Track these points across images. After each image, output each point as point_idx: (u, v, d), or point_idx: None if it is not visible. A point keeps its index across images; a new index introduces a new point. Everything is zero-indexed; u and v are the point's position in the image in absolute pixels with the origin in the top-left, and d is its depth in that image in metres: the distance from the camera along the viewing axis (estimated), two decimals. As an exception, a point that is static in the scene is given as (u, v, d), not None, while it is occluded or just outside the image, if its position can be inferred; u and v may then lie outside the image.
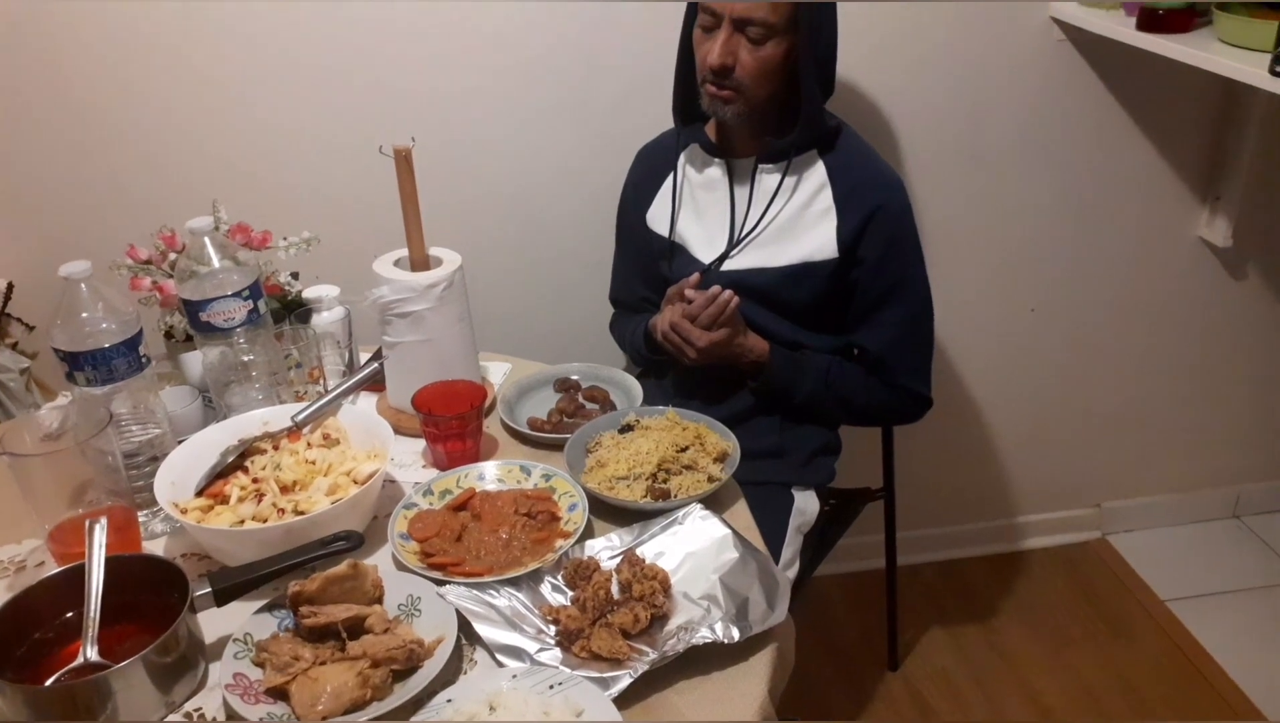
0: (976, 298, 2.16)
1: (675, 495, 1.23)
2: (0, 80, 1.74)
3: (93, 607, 1.00)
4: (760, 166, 1.56)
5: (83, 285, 1.22)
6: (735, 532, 1.15)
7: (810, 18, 1.43)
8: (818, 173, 1.54)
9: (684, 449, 1.30)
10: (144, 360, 1.25)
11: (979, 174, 2.02)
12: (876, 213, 1.50)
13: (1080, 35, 1.90)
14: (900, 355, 1.58)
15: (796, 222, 1.54)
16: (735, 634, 1.00)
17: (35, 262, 1.85)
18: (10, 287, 1.88)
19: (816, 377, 1.56)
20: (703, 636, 1.00)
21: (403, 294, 1.38)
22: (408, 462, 1.36)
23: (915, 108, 1.94)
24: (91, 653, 0.98)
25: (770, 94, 1.49)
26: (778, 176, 1.55)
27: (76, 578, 1.02)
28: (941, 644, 2.21)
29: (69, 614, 1.03)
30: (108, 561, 1.03)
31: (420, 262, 1.43)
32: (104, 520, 1.05)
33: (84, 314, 1.23)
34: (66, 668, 0.98)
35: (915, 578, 2.39)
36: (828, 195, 1.53)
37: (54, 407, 1.33)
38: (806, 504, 1.61)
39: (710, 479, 1.25)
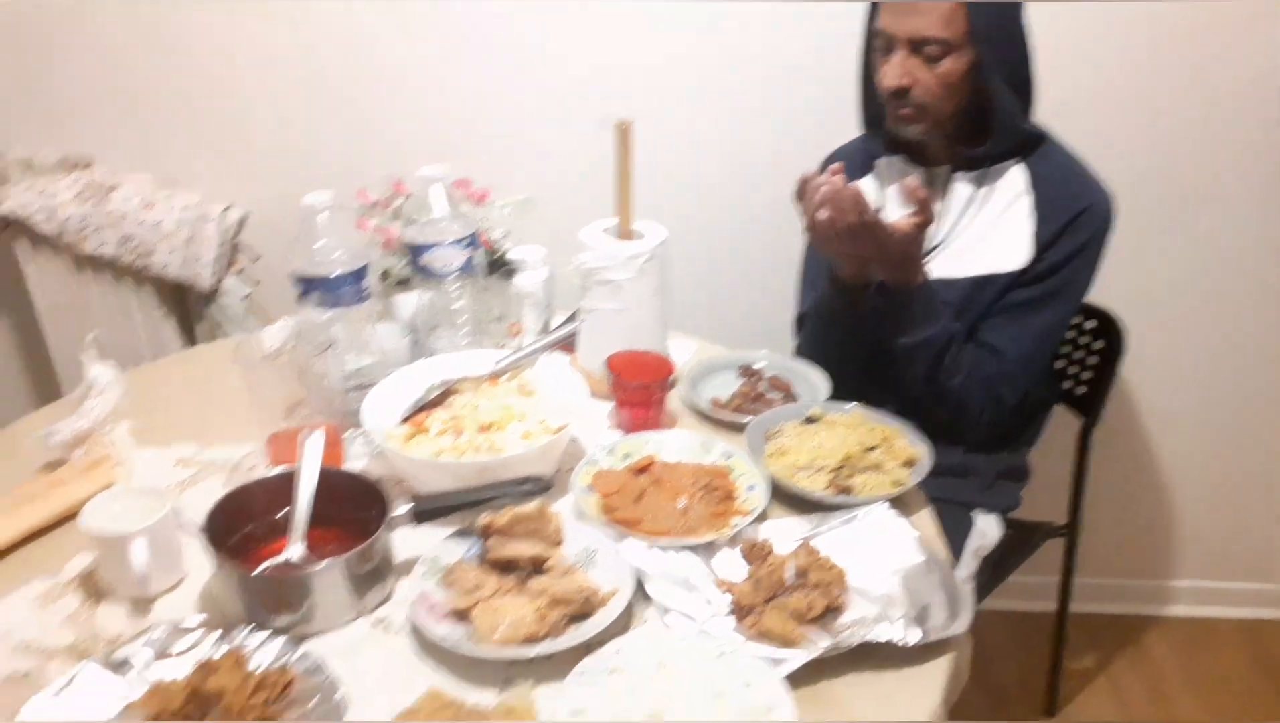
0: (1185, 339, 2.02)
1: (859, 494, 1.20)
2: (248, 28, 1.89)
3: (302, 509, 1.07)
4: (955, 175, 1.51)
5: (322, 216, 1.31)
6: (921, 536, 1.12)
7: (989, 27, 1.37)
8: (1016, 181, 1.48)
9: (870, 449, 1.28)
10: (366, 292, 1.33)
11: (1201, 208, 1.90)
12: (1080, 215, 1.43)
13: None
14: (1019, 361, 1.48)
15: (988, 231, 1.48)
16: (915, 637, 0.97)
17: (269, 197, 2.00)
18: (244, 218, 2.03)
19: (941, 334, 1.45)
20: (881, 632, 0.97)
21: (606, 262, 1.41)
22: (592, 423, 1.39)
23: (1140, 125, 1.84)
24: (296, 552, 1.05)
25: (956, 108, 1.44)
26: (972, 186, 1.49)
27: (288, 482, 1.10)
28: (1104, 699, 2.08)
29: (278, 516, 1.10)
30: (321, 471, 1.10)
31: (626, 233, 1.46)
32: (319, 433, 1.13)
33: (320, 242, 1.32)
34: (272, 561, 1.05)
35: (1083, 626, 2.25)
36: (1026, 204, 1.46)
37: (278, 327, 1.43)
38: (988, 528, 1.55)
39: (896, 483, 1.22)
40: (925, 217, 1.37)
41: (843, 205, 1.32)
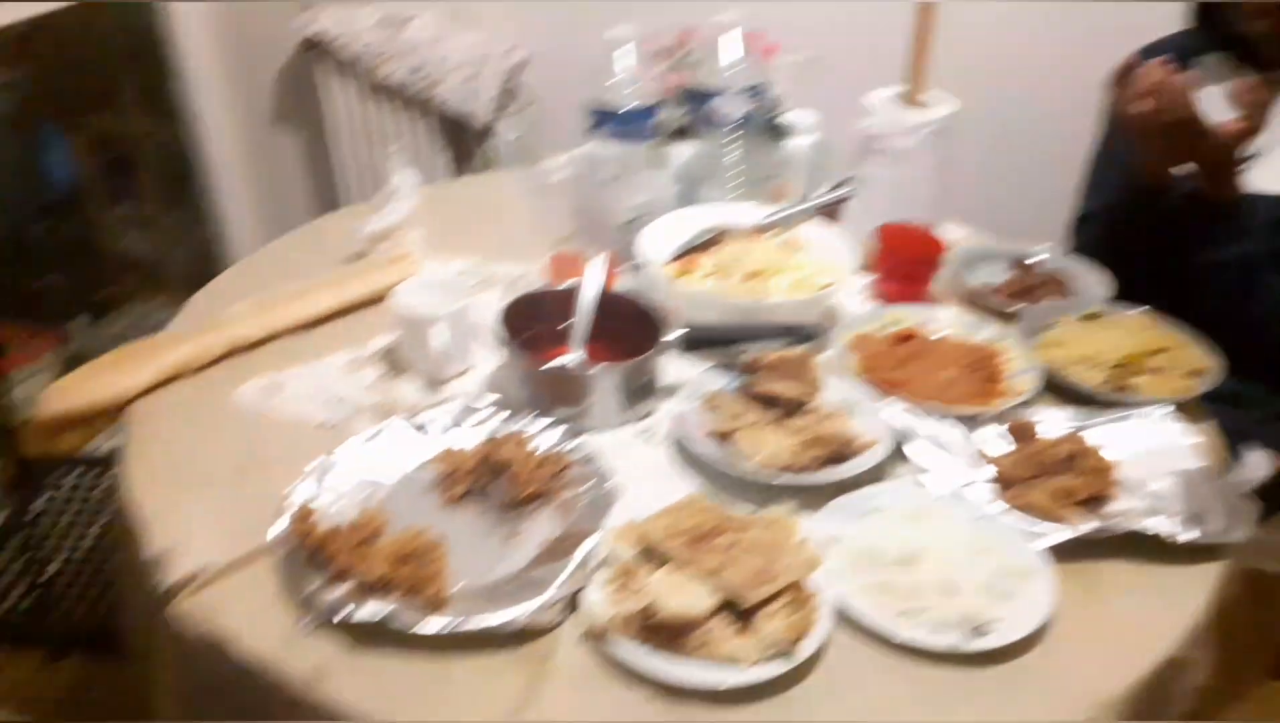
0: None
1: (1138, 394, 1.15)
2: None
3: (583, 319, 1.13)
4: None
5: (621, 51, 1.35)
6: (1202, 444, 1.07)
7: None
8: None
9: (1155, 353, 1.21)
10: (653, 131, 1.36)
11: None
12: None
13: None
14: None
15: None
16: (1190, 535, 0.93)
17: (551, 41, 2.06)
18: (524, 61, 2.11)
19: (1250, 253, 1.33)
20: (1153, 524, 0.94)
21: (889, 129, 1.38)
22: (854, 291, 1.39)
23: None
24: (576, 357, 1.12)
25: None
26: None
27: (570, 297, 1.16)
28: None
29: (558, 326, 1.17)
30: (603, 290, 1.16)
31: (914, 101, 1.42)
32: (605, 255, 1.18)
33: (616, 77, 1.36)
34: (555, 361, 1.12)
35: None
36: None
37: (562, 159, 1.49)
38: (1257, 465, 1.44)
39: (1179, 390, 1.16)
40: (1255, 122, 1.25)
41: (1169, 98, 1.23)
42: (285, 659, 0.82)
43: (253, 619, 0.86)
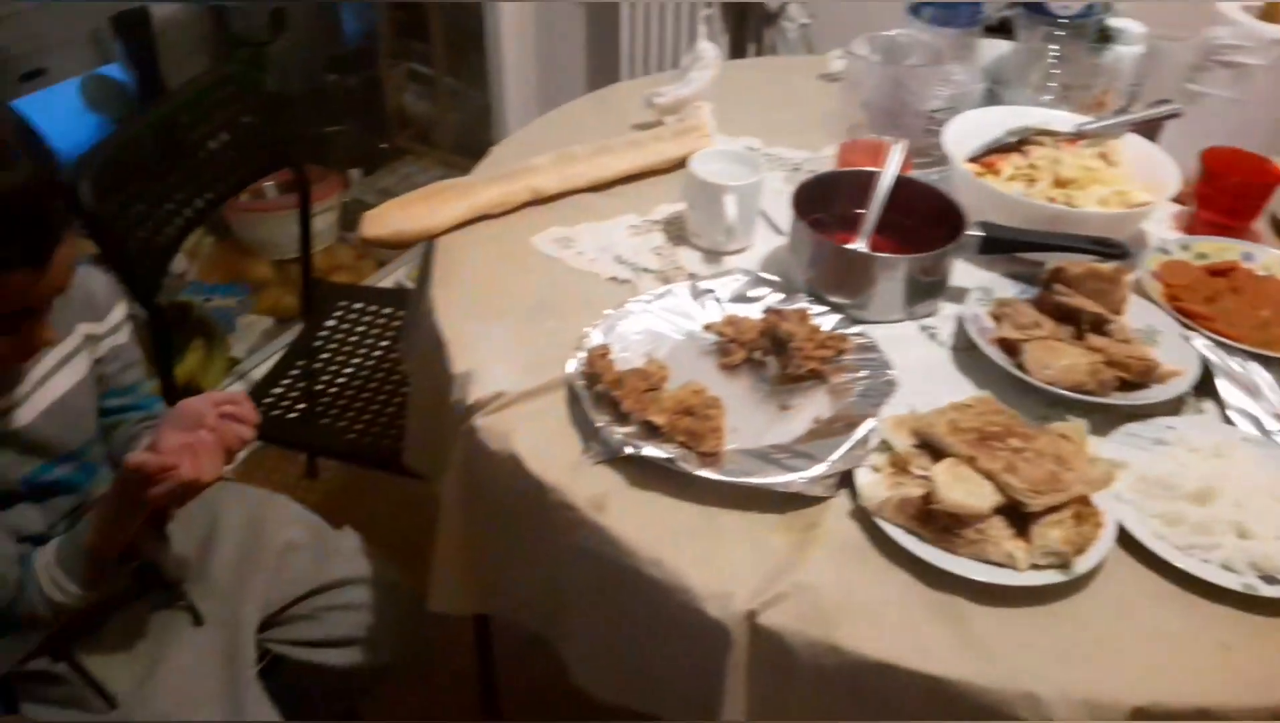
0: None
1: None
2: None
3: (876, 207, 1.12)
4: None
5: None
6: None
7: None
8: None
9: None
10: (980, 17, 1.30)
11: None
12: None
13: None
14: None
15: None
16: None
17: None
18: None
19: None
20: None
21: (1241, 41, 1.25)
22: (1158, 218, 1.29)
23: None
24: (864, 245, 1.11)
25: None
26: None
27: (867, 182, 1.14)
28: None
29: (849, 212, 1.15)
30: (899, 179, 1.13)
31: (1271, 14, 1.27)
32: (905, 143, 1.15)
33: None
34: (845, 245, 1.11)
35: None
36: None
37: (858, 42, 1.43)
38: None
39: None
40: None
41: None
42: (572, 483, 0.88)
43: (545, 443, 0.92)
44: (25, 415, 0.97)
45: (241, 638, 1.10)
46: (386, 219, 1.21)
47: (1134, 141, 1.27)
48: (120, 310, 1.08)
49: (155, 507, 0.95)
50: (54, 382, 0.99)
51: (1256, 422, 0.96)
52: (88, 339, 1.03)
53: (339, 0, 2.81)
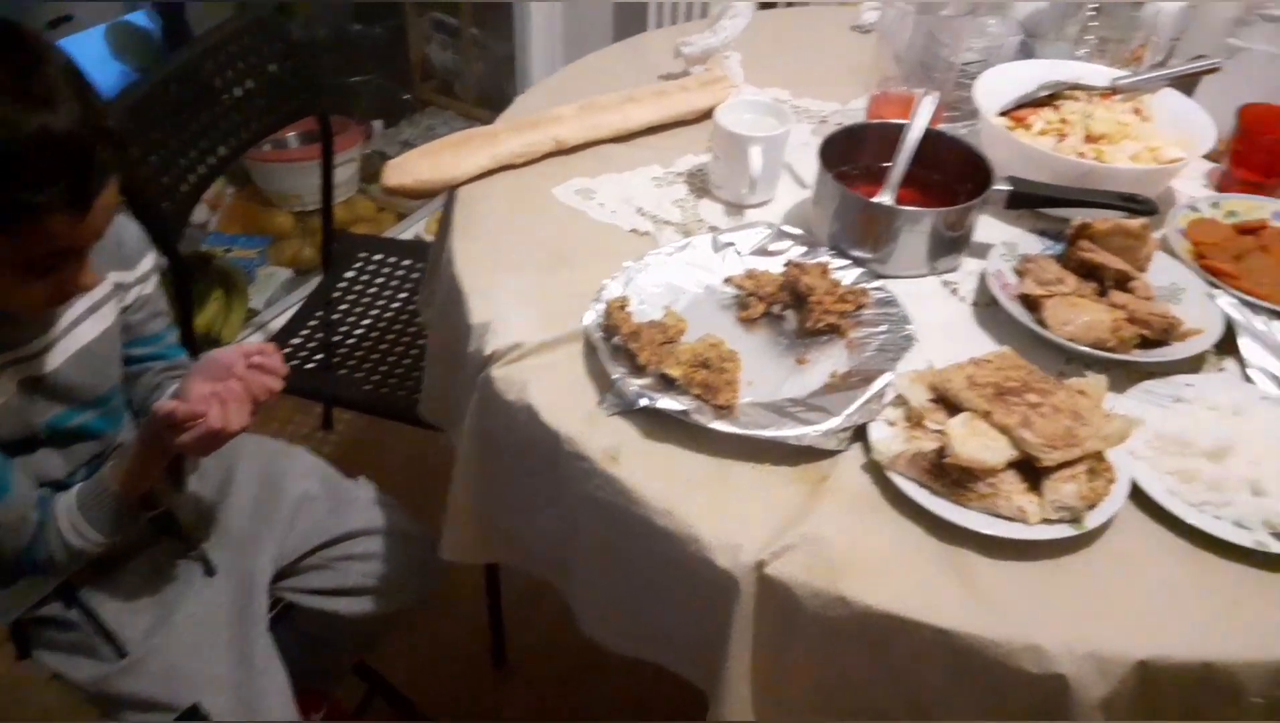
0: None
1: None
2: None
3: (903, 160, 1.10)
4: None
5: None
6: None
7: None
8: None
9: None
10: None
11: None
12: None
13: None
14: None
15: None
16: None
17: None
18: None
19: None
20: None
21: (1285, -7, 1.22)
22: (1191, 176, 1.26)
23: None
24: (888, 197, 1.09)
25: None
26: None
27: (895, 135, 1.12)
28: None
29: (876, 165, 1.14)
30: (928, 132, 1.11)
31: (1318, -34, 1.23)
32: (935, 95, 1.13)
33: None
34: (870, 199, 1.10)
35: None
36: None
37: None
38: None
39: None
40: None
41: None
42: (586, 434, 0.89)
43: (560, 394, 0.93)
44: (54, 360, 0.98)
45: (254, 589, 1.12)
46: (409, 168, 1.22)
47: (1169, 97, 1.25)
48: (150, 260, 1.08)
49: (184, 453, 0.96)
50: (82, 328, 1.01)
51: (1277, 380, 0.95)
52: (116, 287, 1.04)
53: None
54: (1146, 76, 1.24)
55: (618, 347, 0.95)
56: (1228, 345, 0.99)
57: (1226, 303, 1.01)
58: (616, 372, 0.93)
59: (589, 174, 1.23)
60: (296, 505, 1.19)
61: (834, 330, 1.00)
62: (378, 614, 1.22)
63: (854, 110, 1.36)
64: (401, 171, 1.21)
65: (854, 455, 0.88)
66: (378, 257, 1.75)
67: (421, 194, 1.22)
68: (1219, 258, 1.08)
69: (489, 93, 2.85)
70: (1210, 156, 1.24)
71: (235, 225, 2.42)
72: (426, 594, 1.27)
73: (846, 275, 1.05)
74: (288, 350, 1.56)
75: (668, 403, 0.89)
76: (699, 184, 1.22)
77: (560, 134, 1.25)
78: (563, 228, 1.15)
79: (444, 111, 2.95)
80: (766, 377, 0.96)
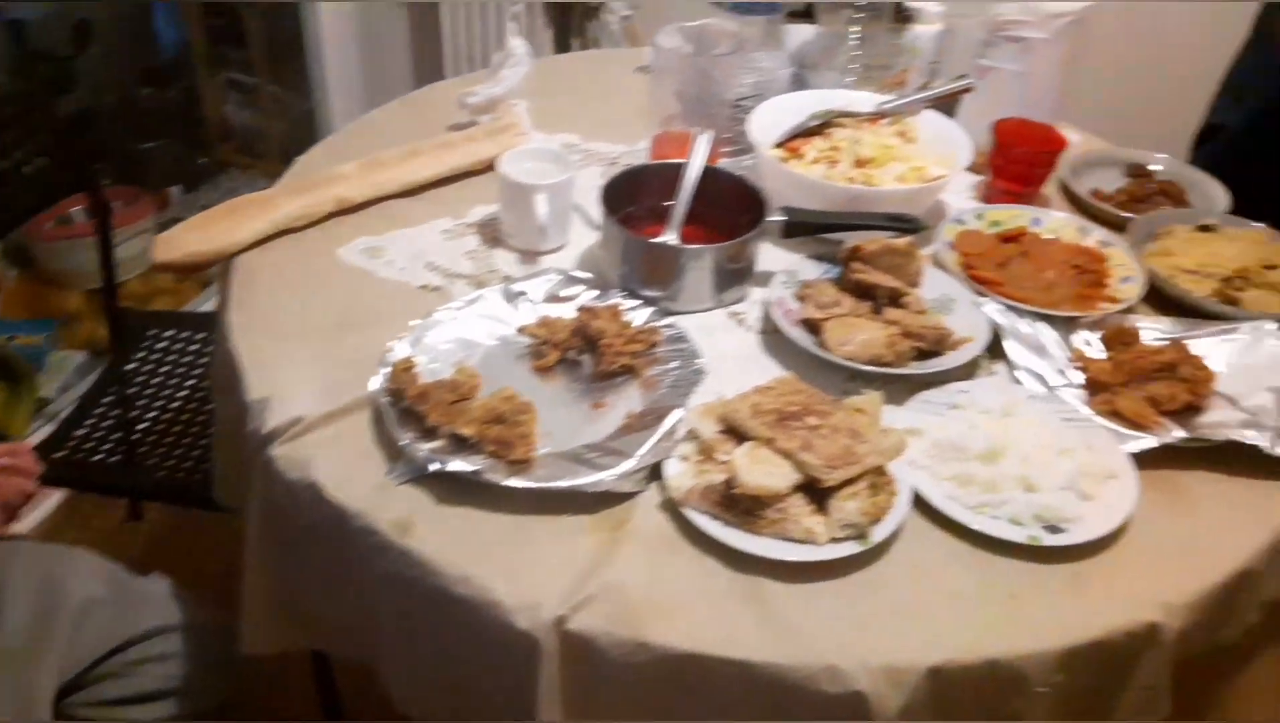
0: None
1: (1246, 308, 1.10)
2: None
3: (684, 199, 1.12)
4: None
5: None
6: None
7: None
8: None
9: (1270, 267, 1.16)
10: (780, 5, 1.32)
11: None
12: None
13: None
14: None
15: None
16: (1283, 450, 0.91)
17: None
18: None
19: None
20: (1249, 436, 0.92)
21: (1023, 15, 1.31)
22: (959, 189, 1.34)
23: None
24: (673, 237, 1.11)
25: None
26: None
27: (674, 175, 1.14)
28: None
29: (659, 205, 1.15)
30: (706, 169, 1.14)
31: (1047, -8, 1.34)
32: (710, 133, 1.16)
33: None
34: (653, 239, 1.11)
35: None
36: None
37: (666, 33, 1.44)
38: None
39: (1293, 306, 1.11)
40: None
41: None
42: (376, 507, 0.86)
43: (347, 467, 0.89)
44: None
45: (35, 710, 1.02)
46: (178, 242, 1.16)
47: (930, 118, 1.32)
48: None
49: None
50: None
51: (1041, 379, 1.01)
52: None
53: (148, -1, 2.66)
54: (908, 100, 1.32)
55: (406, 410, 0.92)
56: (997, 350, 1.05)
57: (993, 310, 1.07)
58: (404, 437, 0.90)
59: (376, 232, 1.20)
60: (81, 612, 1.10)
61: (628, 371, 1.00)
62: (180, 717, 1.13)
63: (641, 151, 1.38)
64: (169, 246, 1.15)
65: (651, 496, 0.89)
66: (168, 333, 1.66)
67: (194, 268, 1.16)
68: (984, 267, 1.15)
69: (293, 151, 2.75)
70: (975, 170, 1.33)
71: (18, 310, 2.24)
72: (229, 691, 1.19)
73: (638, 315, 1.06)
74: (73, 441, 1.45)
75: (458, 465, 0.87)
76: (491, 234, 1.21)
77: (342, 193, 1.21)
78: (348, 290, 1.11)
79: (247, 172, 2.84)
80: (564, 425, 0.95)
